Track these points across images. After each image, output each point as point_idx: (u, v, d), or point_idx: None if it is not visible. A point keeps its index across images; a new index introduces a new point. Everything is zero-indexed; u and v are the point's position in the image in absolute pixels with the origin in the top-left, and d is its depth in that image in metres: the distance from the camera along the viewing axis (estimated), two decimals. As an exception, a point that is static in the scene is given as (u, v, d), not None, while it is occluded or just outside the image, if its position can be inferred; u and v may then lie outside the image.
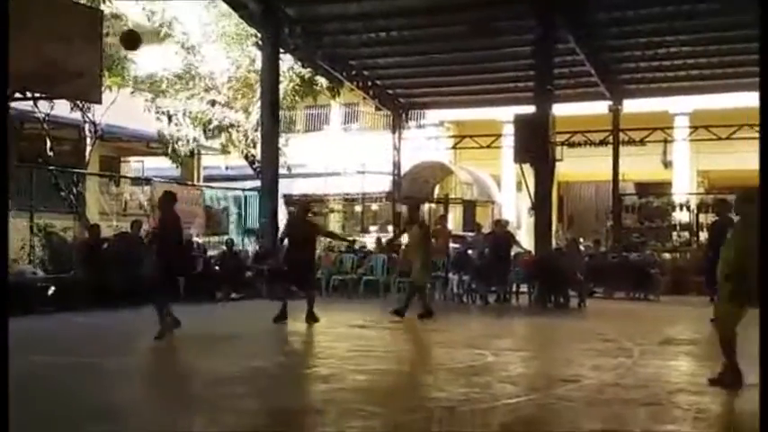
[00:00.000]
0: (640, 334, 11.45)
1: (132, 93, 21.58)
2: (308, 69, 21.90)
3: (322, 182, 27.10)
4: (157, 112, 22.25)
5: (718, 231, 13.06)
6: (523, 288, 16.81)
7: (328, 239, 20.51)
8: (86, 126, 19.92)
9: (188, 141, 23.03)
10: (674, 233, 21.51)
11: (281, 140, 20.06)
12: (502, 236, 16.79)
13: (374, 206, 28.84)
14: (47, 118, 18.41)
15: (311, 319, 11.59)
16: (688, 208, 21.58)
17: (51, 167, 18.26)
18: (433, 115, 27.57)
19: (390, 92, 23.47)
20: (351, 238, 18.16)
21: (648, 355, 9.44)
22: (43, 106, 17.96)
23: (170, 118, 22.40)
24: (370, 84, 22.50)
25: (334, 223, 28.54)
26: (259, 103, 19.94)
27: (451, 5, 17.09)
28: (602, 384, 7.42)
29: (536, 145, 16.03)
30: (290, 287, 12.11)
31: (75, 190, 18.86)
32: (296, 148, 24.50)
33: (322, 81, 22.87)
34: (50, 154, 18.87)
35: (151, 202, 17.74)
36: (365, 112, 29.55)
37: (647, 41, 18.56)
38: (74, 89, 15.15)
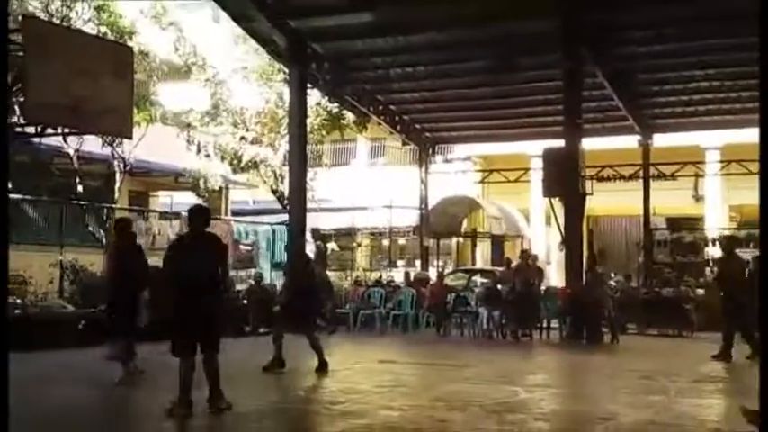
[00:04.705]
0: (675, 371, 11.21)
1: (162, 125, 21.77)
2: (336, 104, 22.00)
3: (349, 216, 27.08)
4: (187, 141, 22.44)
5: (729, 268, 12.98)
6: (554, 324, 16.56)
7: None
8: (116, 161, 20.07)
9: (216, 176, 23.22)
10: (707, 268, 21.16)
11: (309, 175, 20.08)
12: (532, 270, 16.65)
13: (401, 240, 28.74)
14: (77, 153, 18.57)
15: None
16: (721, 243, 21.22)
17: (81, 203, 18.38)
18: (460, 150, 27.54)
19: (417, 126, 23.47)
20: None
21: (684, 393, 9.22)
22: (73, 141, 18.12)
23: (199, 148, 22.58)
24: (396, 118, 22.52)
25: (362, 257, 28.46)
26: (287, 138, 20.06)
27: (479, 40, 17.09)
28: (638, 422, 7.22)
29: (565, 179, 15.89)
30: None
31: (104, 225, 18.96)
32: (323, 183, 24.54)
33: (349, 116, 22.97)
34: (80, 189, 19.00)
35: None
36: (392, 146, 29.57)
37: (676, 75, 18.44)
38: (105, 125, 15.31)
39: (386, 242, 28.58)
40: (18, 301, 13.79)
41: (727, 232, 22.03)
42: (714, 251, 21.39)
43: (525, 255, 17.80)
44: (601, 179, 21.36)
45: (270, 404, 8.45)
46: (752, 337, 12.13)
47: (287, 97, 19.32)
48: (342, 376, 10.43)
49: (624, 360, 12.97)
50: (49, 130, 15.60)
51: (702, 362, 12.24)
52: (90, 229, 18.93)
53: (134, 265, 9.84)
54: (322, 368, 10.39)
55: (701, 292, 20.02)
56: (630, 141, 22.17)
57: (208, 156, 22.76)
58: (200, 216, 7.91)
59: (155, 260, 16.69)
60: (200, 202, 24.08)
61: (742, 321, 12.38)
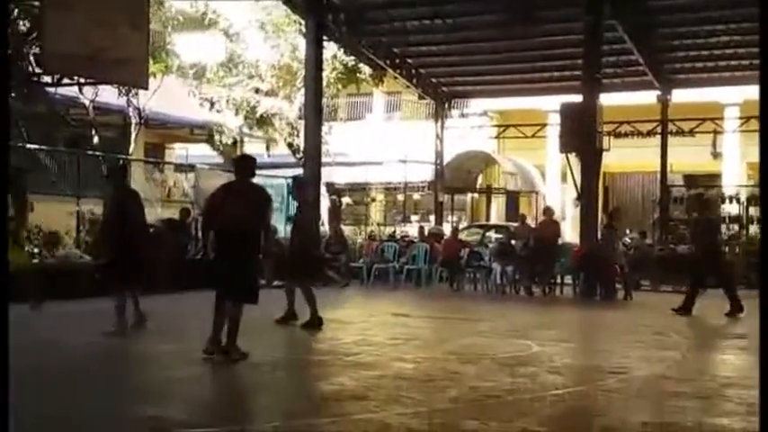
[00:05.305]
0: (687, 327, 11.23)
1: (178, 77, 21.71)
2: (352, 57, 21.82)
3: (364, 170, 27.03)
4: (201, 98, 22.38)
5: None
6: (568, 280, 16.56)
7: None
8: (131, 112, 20.06)
9: (231, 129, 23.20)
10: (724, 226, 21.01)
11: (324, 129, 20.01)
12: (549, 225, 16.61)
13: (416, 195, 28.71)
14: (92, 103, 18.57)
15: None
16: (738, 200, 21.09)
17: (97, 153, 18.42)
18: (476, 104, 27.28)
19: (433, 80, 23.26)
20: None
21: (696, 349, 9.24)
22: (89, 92, 18.11)
23: (212, 104, 22.51)
24: (413, 72, 22.32)
25: (376, 212, 28.48)
26: (302, 92, 19.96)
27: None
28: (650, 377, 7.25)
29: (582, 135, 15.75)
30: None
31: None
32: (338, 137, 24.45)
33: (365, 69, 22.79)
34: (96, 140, 19.03)
35: (195, 188, 17.83)
36: (408, 100, 29.41)
37: (696, 30, 18.14)
38: (121, 75, 15.32)
39: (400, 197, 28.56)
40: (35, 250, 13.92)
41: (744, 189, 21.86)
42: (731, 208, 21.27)
43: (549, 211, 17.67)
44: (618, 135, 21.21)
45: (283, 355, 8.55)
46: (734, 296, 12.15)
47: (303, 49, 19.19)
48: (355, 329, 10.50)
49: (637, 316, 12.98)
50: (66, 80, 15.59)
51: (715, 318, 12.24)
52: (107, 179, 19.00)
53: (131, 215, 9.31)
54: (312, 324, 9.83)
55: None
56: (649, 97, 21.88)
57: (219, 111, 22.69)
58: (245, 165, 7.74)
59: (171, 212, 16.94)
60: (215, 154, 24.16)
61: (716, 279, 12.49)
